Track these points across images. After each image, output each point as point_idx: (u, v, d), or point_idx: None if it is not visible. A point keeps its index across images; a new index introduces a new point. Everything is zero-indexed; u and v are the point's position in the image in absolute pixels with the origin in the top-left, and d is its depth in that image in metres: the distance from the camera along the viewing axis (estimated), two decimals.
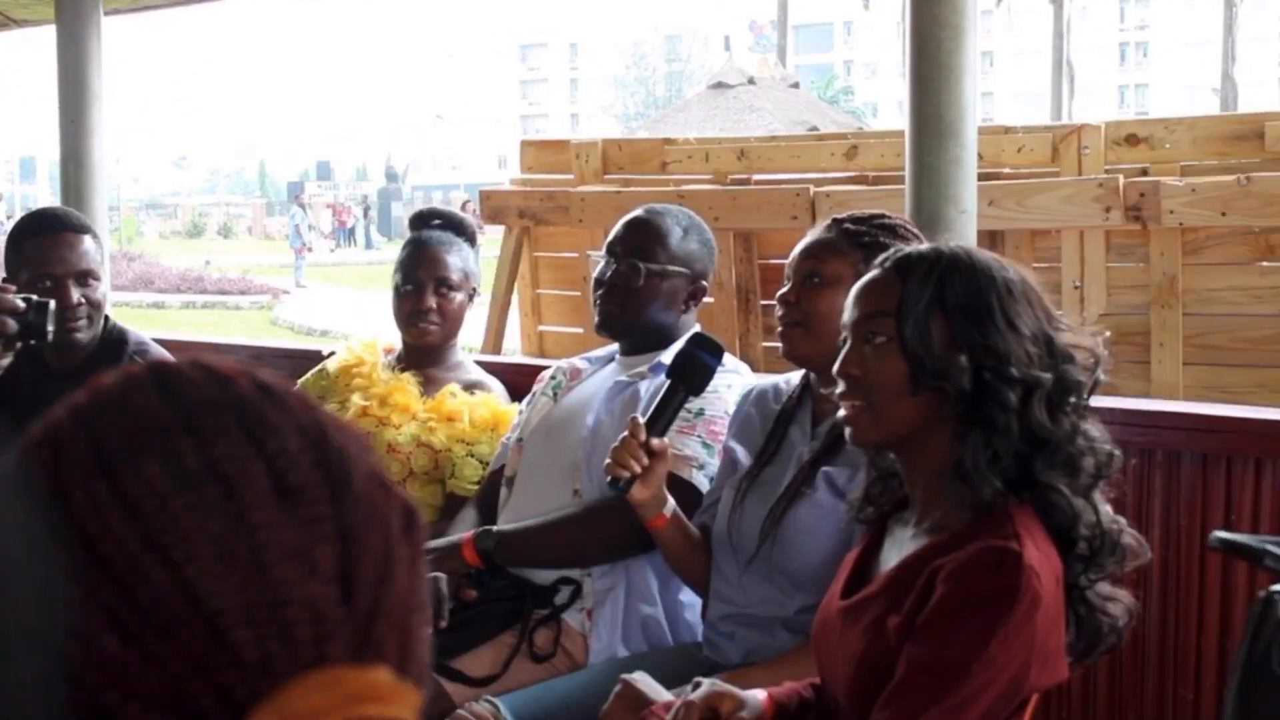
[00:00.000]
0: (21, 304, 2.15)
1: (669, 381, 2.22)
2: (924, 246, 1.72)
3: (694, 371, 2.22)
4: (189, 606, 0.57)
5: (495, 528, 2.50)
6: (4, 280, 2.72)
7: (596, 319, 2.62)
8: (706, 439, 2.42)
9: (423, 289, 2.95)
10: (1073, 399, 1.62)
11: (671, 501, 2.23)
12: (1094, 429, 1.64)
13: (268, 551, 0.59)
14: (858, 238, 2.17)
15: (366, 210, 37.55)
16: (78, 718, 0.56)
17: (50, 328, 2.20)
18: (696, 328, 2.66)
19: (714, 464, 2.40)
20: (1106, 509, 1.64)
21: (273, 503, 0.60)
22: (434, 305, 2.95)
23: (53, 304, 2.22)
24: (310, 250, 33.06)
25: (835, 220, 2.22)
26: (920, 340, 1.61)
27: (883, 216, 2.22)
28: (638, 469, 2.14)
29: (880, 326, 1.65)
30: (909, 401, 1.62)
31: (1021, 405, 1.59)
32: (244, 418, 0.62)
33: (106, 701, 0.56)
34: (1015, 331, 1.60)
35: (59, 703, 0.56)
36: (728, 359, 2.37)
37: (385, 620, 0.61)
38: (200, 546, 0.58)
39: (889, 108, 55.57)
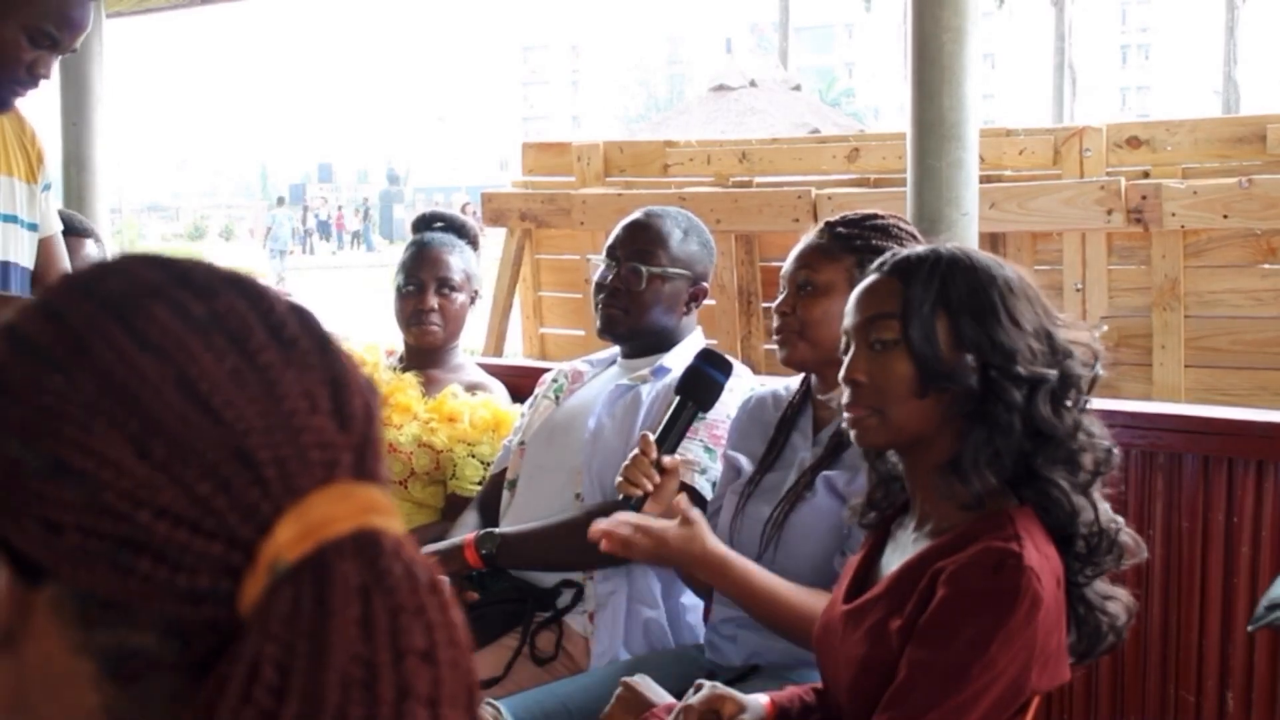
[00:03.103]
0: None
1: (678, 398, 2.21)
2: (922, 248, 1.70)
3: (702, 387, 2.22)
4: (215, 432, 0.63)
5: (497, 530, 2.50)
6: None
7: (599, 323, 2.62)
8: (708, 443, 2.42)
9: (425, 289, 2.96)
10: (1074, 395, 1.62)
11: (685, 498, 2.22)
12: (1094, 425, 1.64)
13: (279, 386, 0.64)
14: (849, 241, 2.17)
15: (366, 213, 37.56)
16: (112, 542, 0.61)
17: None
18: (698, 330, 2.66)
19: (716, 468, 2.40)
20: (1105, 506, 1.64)
21: (273, 347, 0.65)
22: (436, 305, 2.96)
23: None
24: (312, 253, 33.12)
25: (828, 224, 2.21)
26: (926, 341, 1.61)
27: (875, 217, 2.21)
28: (650, 486, 2.14)
29: (884, 330, 1.64)
30: (917, 404, 1.62)
31: (1026, 402, 1.58)
32: (233, 280, 0.68)
33: (138, 521, 0.61)
34: (1019, 328, 1.60)
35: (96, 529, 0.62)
36: (730, 362, 2.36)
37: (374, 453, 0.67)
38: (221, 380, 0.64)
39: (890, 110, 55.56)
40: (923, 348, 1.61)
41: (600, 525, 2.02)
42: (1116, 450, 1.65)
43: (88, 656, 0.63)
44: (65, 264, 2.50)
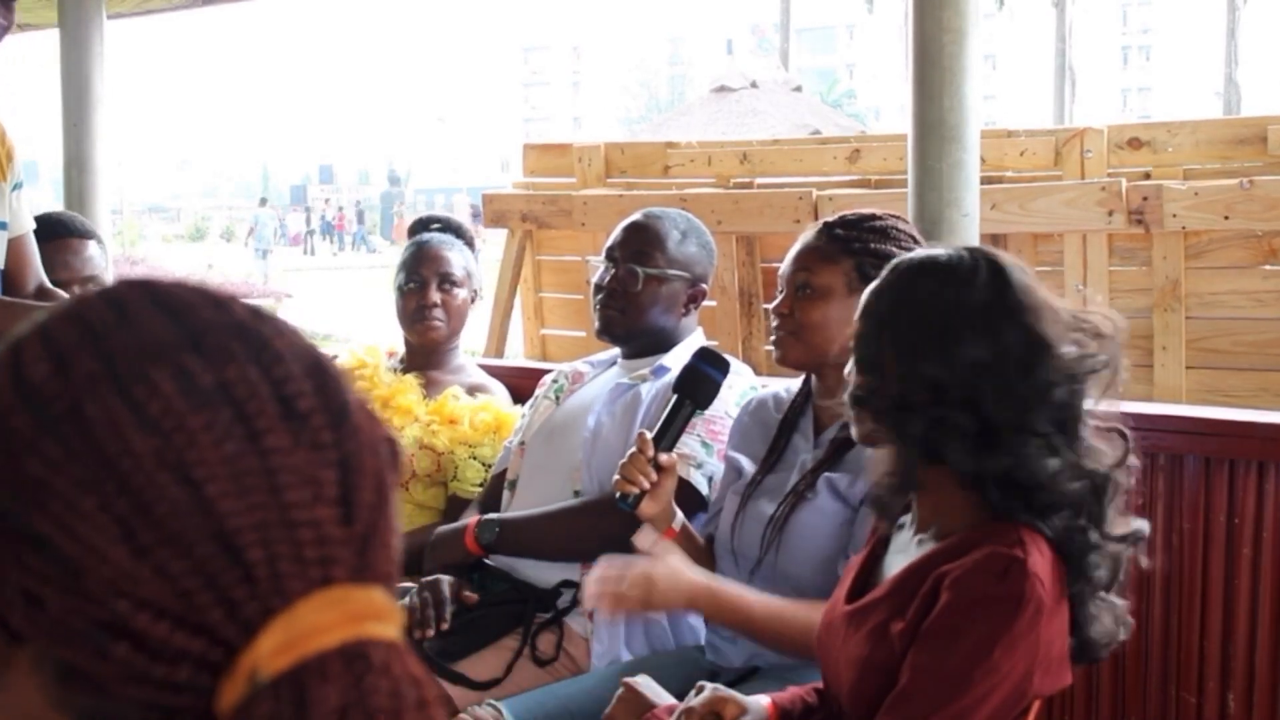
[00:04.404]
0: None
1: (675, 396, 2.21)
2: (886, 271, 1.65)
3: (700, 386, 2.22)
4: (206, 524, 0.59)
5: (495, 516, 2.52)
6: None
7: (597, 324, 2.62)
8: (705, 438, 2.42)
9: (426, 285, 2.97)
10: (1071, 427, 1.55)
11: (680, 515, 2.22)
12: (1095, 446, 1.57)
13: (280, 475, 0.61)
14: (848, 245, 2.15)
15: (360, 215, 37.58)
16: (91, 625, 0.58)
17: None
18: (699, 331, 2.66)
19: (712, 463, 2.40)
20: (1117, 525, 1.60)
21: (282, 427, 0.61)
22: (438, 301, 2.97)
23: None
24: (313, 254, 33.13)
25: (826, 225, 2.19)
26: (879, 393, 1.60)
27: (873, 218, 2.19)
28: (646, 485, 2.14)
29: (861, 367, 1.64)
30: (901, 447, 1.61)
31: (1015, 451, 1.52)
32: (249, 341, 0.63)
33: (118, 610, 0.58)
34: (972, 361, 1.53)
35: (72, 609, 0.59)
36: (729, 360, 2.36)
37: (380, 544, 0.63)
38: (218, 466, 0.60)
39: (891, 111, 55.56)
40: (876, 401, 1.60)
41: (590, 592, 2.00)
42: (1116, 476, 1.58)
43: (67, 713, 0.61)
44: (37, 264, 2.49)
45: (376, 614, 0.61)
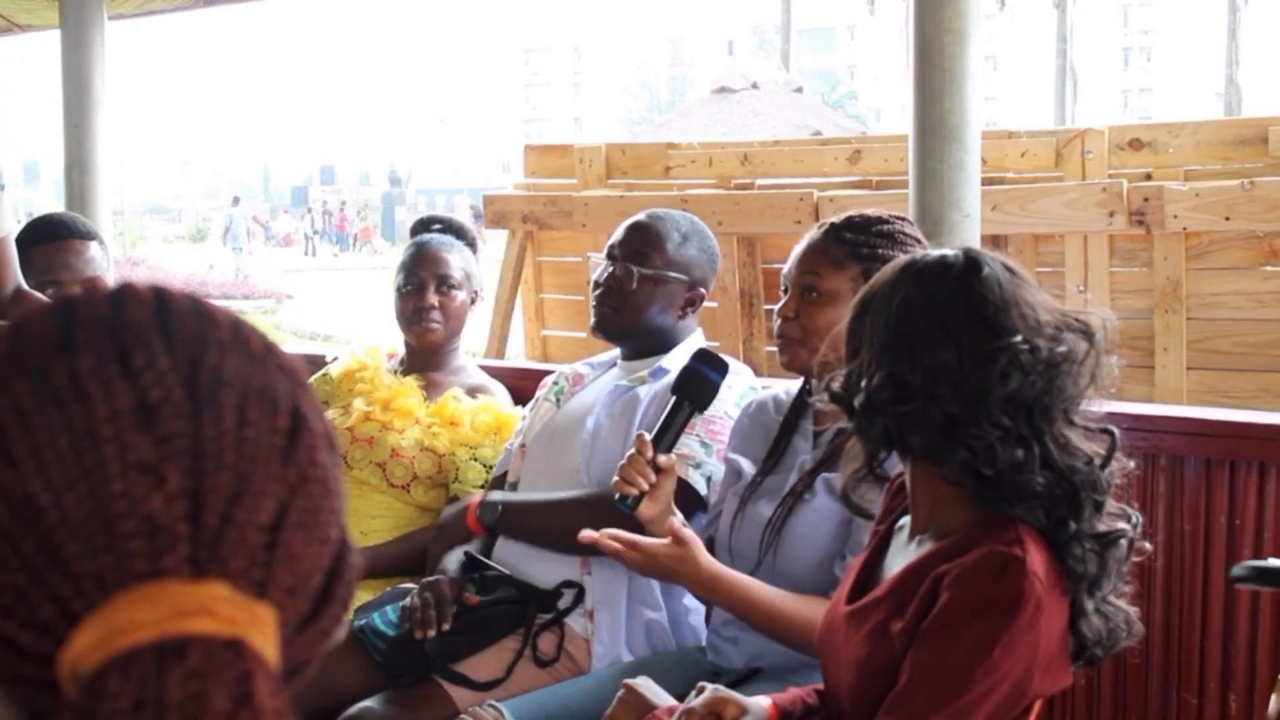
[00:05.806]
0: None
1: (674, 398, 2.21)
2: (872, 284, 1.67)
3: (698, 387, 2.22)
4: (29, 519, 0.60)
5: (499, 496, 2.53)
6: None
7: (592, 321, 2.62)
8: (705, 438, 2.42)
9: (424, 287, 2.97)
10: (1040, 418, 1.54)
11: (680, 516, 2.22)
12: (1073, 441, 1.55)
13: (110, 465, 0.60)
14: (856, 250, 2.14)
15: (343, 215, 37.59)
16: None
17: None
18: (698, 332, 2.66)
19: (711, 463, 2.40)
20: (1114, 523, 1.59)
21: (129, 418, 0.61)
22: (436, 303, 2.97)
23: None
24: (314, 255, 33.12)
25: (832, 226, 2.18)
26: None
27: (880, 221, 2.17)
28: (645, 486, 2.13)
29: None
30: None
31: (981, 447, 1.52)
32: (119, 335, 0.63)
33: None
34: (936, 359, 1.53)
35: None
36: (729, 361, 2.36)
37: (237, 537, 0.61)
38: (50, 462, 0.60)
39: (892, 112, 55.56)
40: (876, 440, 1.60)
41: (588, 535, 2.03)
42: (1105, 474, 1.57)
43: None
44: (15, 267, 2.47)
45: (208, 610, 0.59)
